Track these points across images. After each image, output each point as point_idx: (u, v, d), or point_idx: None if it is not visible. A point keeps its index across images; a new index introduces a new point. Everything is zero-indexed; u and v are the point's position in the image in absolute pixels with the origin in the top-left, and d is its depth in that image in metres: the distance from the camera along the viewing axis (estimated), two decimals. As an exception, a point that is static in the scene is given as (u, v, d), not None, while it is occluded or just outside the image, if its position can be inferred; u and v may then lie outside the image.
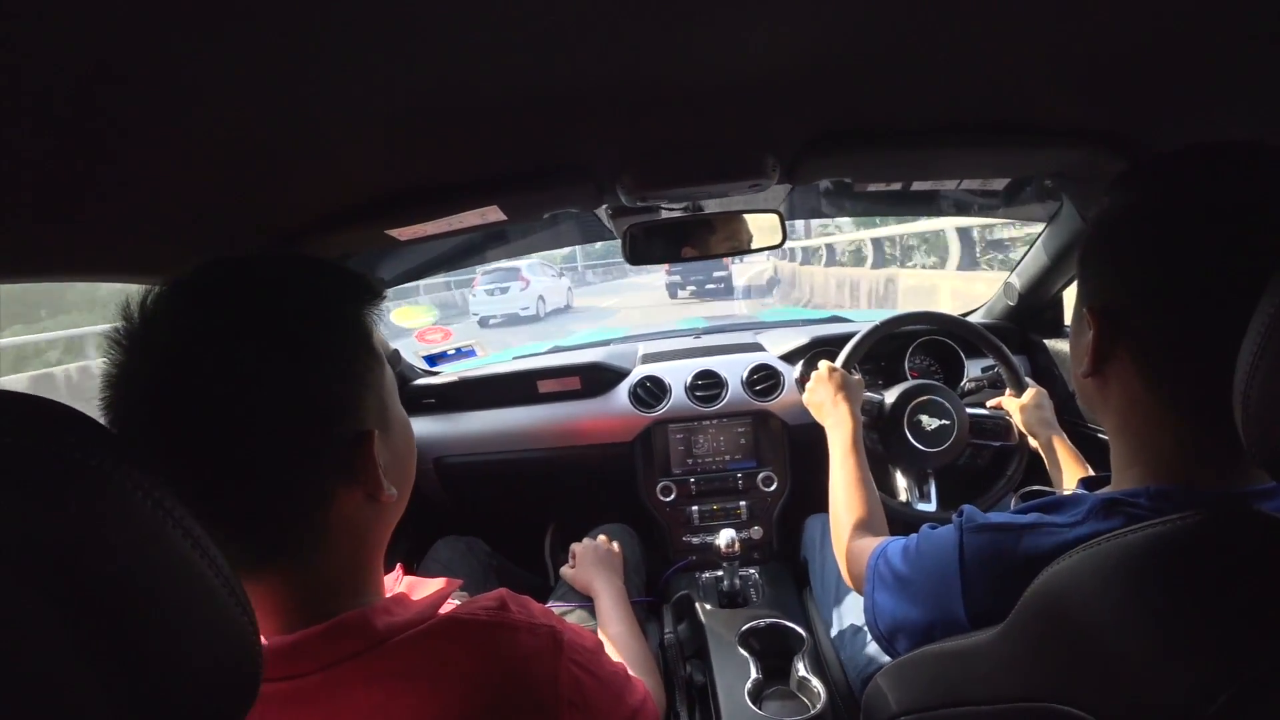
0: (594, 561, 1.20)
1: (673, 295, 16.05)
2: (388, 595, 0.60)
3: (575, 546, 1.28)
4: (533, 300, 13.82)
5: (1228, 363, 0.43)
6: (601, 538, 1.32)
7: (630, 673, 0.74)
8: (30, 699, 0.27)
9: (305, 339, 0.51)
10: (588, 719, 0.59)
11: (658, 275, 17.28)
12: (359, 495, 0.54)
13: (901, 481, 1.37)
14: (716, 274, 15.57)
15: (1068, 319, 1.29)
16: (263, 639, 0.51)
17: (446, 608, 0.59)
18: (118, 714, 0.30)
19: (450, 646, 0.54)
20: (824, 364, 1.29)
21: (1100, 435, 1.31)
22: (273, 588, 0.53)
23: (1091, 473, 1.07)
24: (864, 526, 0.98)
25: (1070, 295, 1.48)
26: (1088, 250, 0.62)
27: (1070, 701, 0.48)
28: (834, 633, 1.21)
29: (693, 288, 15.85)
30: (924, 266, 9.10)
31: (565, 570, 1.24)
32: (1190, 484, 0.56)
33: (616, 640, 0.97)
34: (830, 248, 11.92)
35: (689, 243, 1.19)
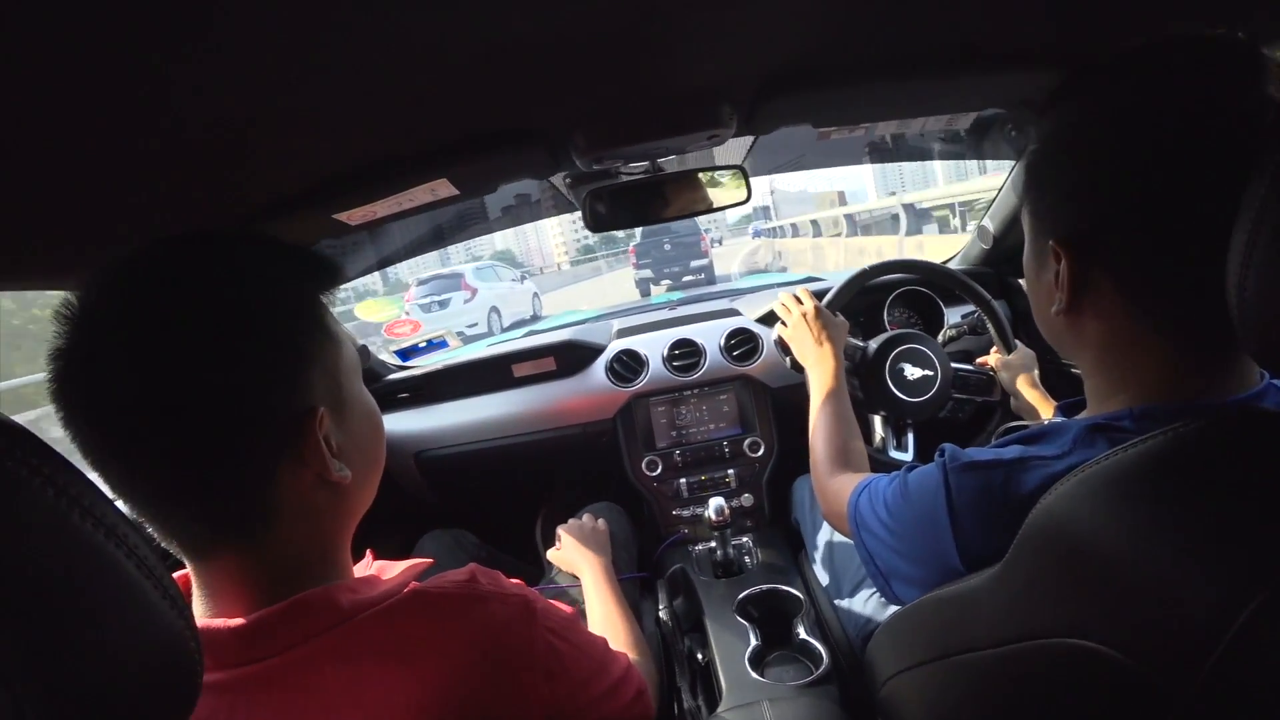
0: (578, 541, 1.17)
1: (645, 293, 13.48)
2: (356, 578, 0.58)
3: (560, 528, 1.25)
4: (481, 313, 11.11)
5: (1213, 268, 0.41)
6: (586, 517, 1.30)
7: (612, 647, 0.71)
8: None
9: (245, 309, 0.50)
10: (566, 688, 0.58)
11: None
12: (308, 475, 0.52)
13: (879, 429, 1.35)
14: (694, 264, 13.78)
15: None
16: (221, 622, 0.49)
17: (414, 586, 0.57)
18: None
19: (420, 621, 0.52)
20: (807, 298, 1.25)
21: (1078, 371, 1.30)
22: (229, 568, 0.52)
23: None
24: (844, 463, 0.96)
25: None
26: (1037, 178, 0.59)
27: (1080, 634, 0.45)
28: (832, 593, 1.19)
29: (668, 282, 13.75)
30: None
31: (551, 553, 1.22)
32: (1173, 400, 0.53)
33: (601, 618, 0.95)
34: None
35: (652, 205, 1.15)
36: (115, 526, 0.31)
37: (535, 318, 12.51)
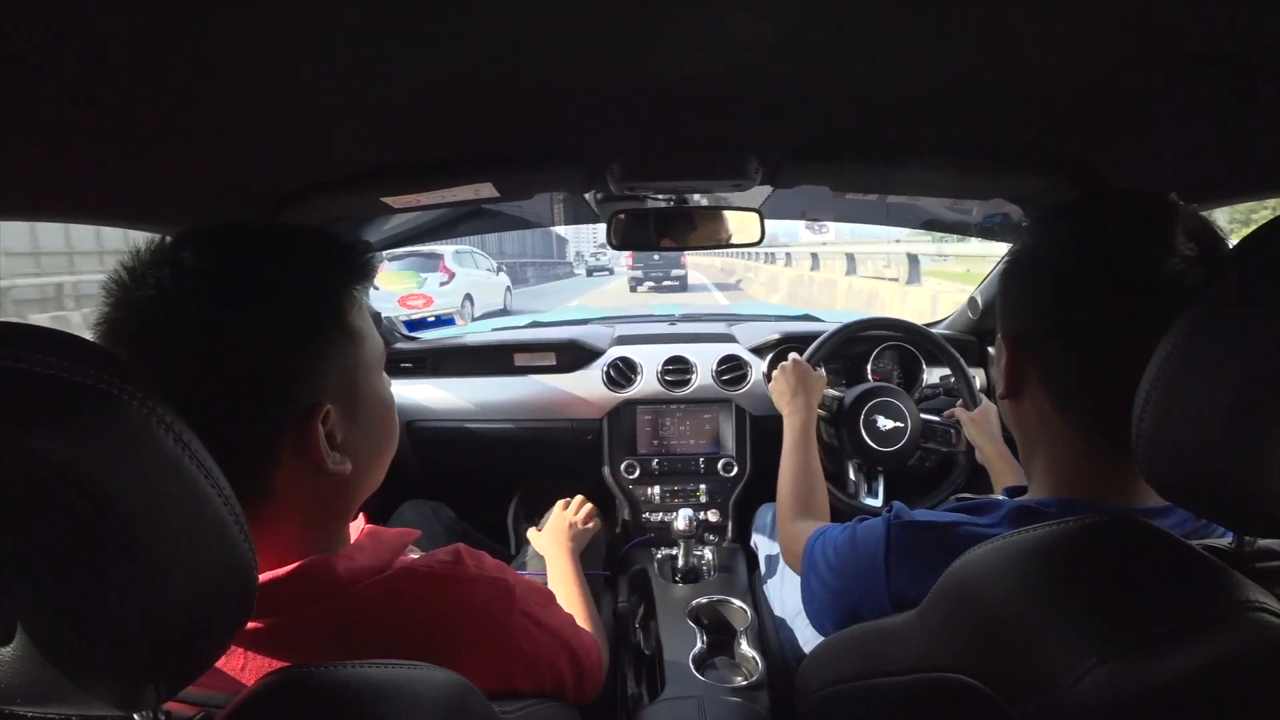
0: (561, 530, 1.23)
1: (633, 289, 17.93)
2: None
3: (557, 506, 1.31)
4: (455, 298, 10.19)
5: (1125, 394, 0.50)
6: (586, 508, 1.34)
7: (577, 623, 0.78)
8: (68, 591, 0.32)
9: (261, 306, 0.51)
10: (535, 667, 0.64)
11: (618, 279, 18.72)
12: (308, 464, 0.53)
13: (852, 475, 1.44)
14: (674, 272, 17.79)
15: None
16: None
17: (404, 559, 0.62)
18: (132, 623, 0.34)
19: (407, 597, 0.57)
20: (792, 356, 1.35)
21: None
22: None
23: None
24: (807, 511, 1.05)
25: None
26: (1003, 281, 0.70)
27: (966, 672, 0.55)
28: (776, 614, 1.28)
29: (650, 283, 17.89)
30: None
31: (531, 532, 1.28)
32: (1095, 499, 0.62)
33: (564, 598, 1.01)
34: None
35: (671, 233, 1.24)
36: (212, 471, 0.38)
37: (505, 311, 11.94)
